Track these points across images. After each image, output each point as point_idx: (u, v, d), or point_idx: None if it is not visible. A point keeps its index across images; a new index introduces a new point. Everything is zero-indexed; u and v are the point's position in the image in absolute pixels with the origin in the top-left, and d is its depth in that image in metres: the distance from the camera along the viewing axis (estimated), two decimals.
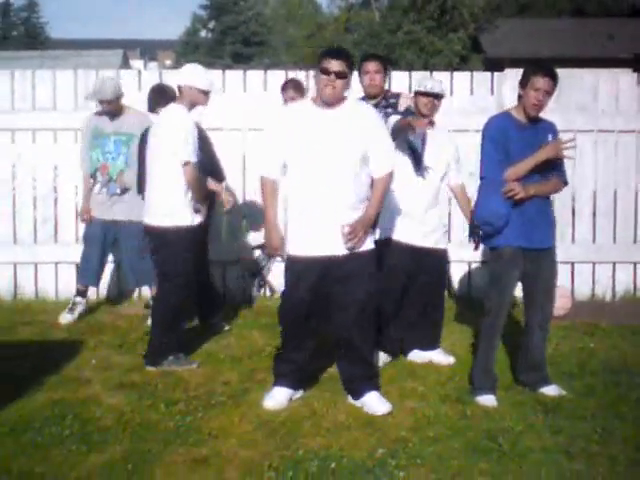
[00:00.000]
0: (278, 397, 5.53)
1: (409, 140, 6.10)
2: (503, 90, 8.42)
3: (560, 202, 8.27)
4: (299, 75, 8.13)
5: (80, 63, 18.58)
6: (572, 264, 8.46)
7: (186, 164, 6.07)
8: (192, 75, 6.19)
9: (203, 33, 47.12)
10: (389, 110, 6.60)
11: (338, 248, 5.34)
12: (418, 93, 6.28)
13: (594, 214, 8.54)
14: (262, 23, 44.86)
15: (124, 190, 7.49)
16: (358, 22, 37.68)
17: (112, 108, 7.48)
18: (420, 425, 5.15)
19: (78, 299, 7.78)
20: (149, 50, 59.95)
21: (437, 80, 6.42)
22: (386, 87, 6.97)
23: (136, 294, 8.50)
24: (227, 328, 7.32)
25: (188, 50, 46.16)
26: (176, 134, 6.06)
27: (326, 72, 5.24)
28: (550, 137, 5.53)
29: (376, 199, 5.43)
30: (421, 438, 4.93)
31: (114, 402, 5.54)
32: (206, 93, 6.21)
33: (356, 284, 5.38)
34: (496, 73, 8.64)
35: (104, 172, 7.51)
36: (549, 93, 5.52)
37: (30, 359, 6.40)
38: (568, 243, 8.45)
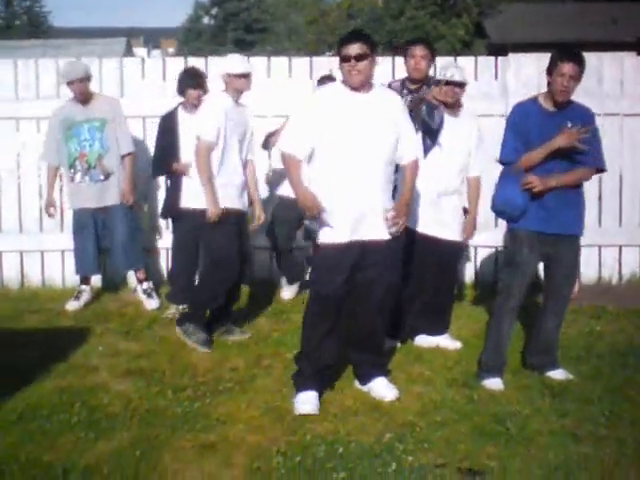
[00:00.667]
0: (310, 401, 5.23)
1: (422, 115, 6.12)
2: (507, 75, 8.39)
3: None
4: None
5: (83, 52, 18.53)
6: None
7: (197, 138, 6.31)
8: (226, 63, 6.48)
9: (206, 20, 47.00)
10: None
11: (375, 233, 5.27)
12: (440, 82, 6.28)
13: (600, 197, 8.51)
14: (264, 10, 44.75)
15: (107, 175, 7.49)
16: (361, 8, 37.51)
17: (84, 89, 7.42)
18: (427, 410, 5.16)
19: (83, 287, 7.81)
20: (152, 38, 59.81)
21: (459, 67, 6.42)
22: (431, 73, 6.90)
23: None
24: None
25: (190, 37, 46.06)
26: (201, 114, 6.45)
27: (346, 59, 5.17)
28: (569, 124, 5.46)
29: (408, 185, 5.43)
30: (428, 422, 4.95)
31: (122, 389, 5.56)
32: (244, 76, 6.43)
33: (386, 270, 5.33)
34: (500, 58, 8.60)
35: (83, 160, 7.48)
36: (575, 78, 5.45)
37: (37, 347, 6.43)
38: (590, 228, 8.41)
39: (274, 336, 6.62)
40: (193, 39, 45.60)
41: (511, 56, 8.68)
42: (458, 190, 6.41)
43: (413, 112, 6.01)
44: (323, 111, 5.22)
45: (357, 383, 5.57)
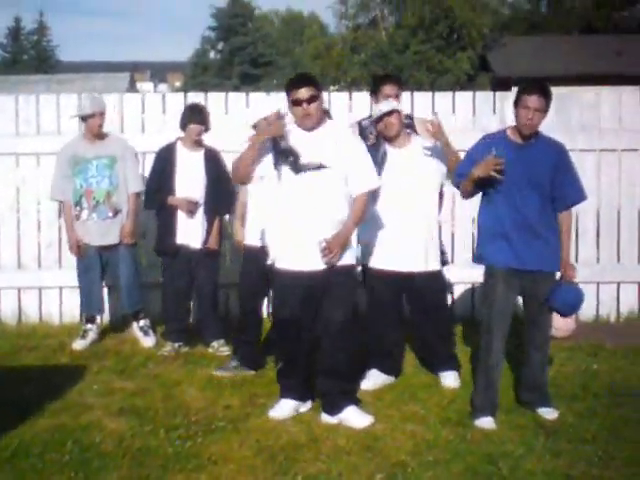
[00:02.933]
0: (284, 408, 5.72)
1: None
2: (505, 109, 8.41)
3: None
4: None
5: (87, 87, 18.67)
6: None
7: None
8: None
9: (212, 54, 47.35)
10: (408, 131, 6.61)
11: (319, 263, 5.49)
12: (374, 121, 6.41)
13: (597, 234, 8.50)
14: (270, 44, 45.11)
15: (116, 212, 7.49)
16: (365, 42, 37.76)
17: (100, 123, 7.45)
18: (420, 449, 5.14)
19: (89, 326, 7.74)
20: (159, 72, 60.19)
21: (385, 102, 6.41)
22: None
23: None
24: (228, 352, 7.29)
25: (197, 72, 46.36)
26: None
27: (298, 103, 5.44)
28: (494, 151, 5.49)
29: (353, 216, 5.60)
30: (420, 462, 4.92)
31: (115, 427, 5.55)
32: None
33: (335, 299, 5.54)
34: (498, 92, 8.64)
35: (89, 197, 7.44)
36: (540, 111, 5.51)
37: (33, 384, 6.41)
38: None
39: (269, 375, 6.60)
40: (200, 73, 45.89)
41: (514, 90, 8.69)
42: (424, 222, 6.35)
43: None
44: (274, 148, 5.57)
45: (325, 416, 5.62)
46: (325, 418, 5.62)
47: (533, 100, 5.50)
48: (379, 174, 6.12)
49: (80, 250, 7.53)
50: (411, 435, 5.35)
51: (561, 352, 6.93)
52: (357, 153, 5.61)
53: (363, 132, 6.75)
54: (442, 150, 6.35)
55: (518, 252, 5.55)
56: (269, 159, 5.59)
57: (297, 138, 5.54)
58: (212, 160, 7.30)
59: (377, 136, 6.56)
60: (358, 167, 5.56)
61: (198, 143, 7.23)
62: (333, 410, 5.59)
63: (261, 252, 6.13)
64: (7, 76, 30.88)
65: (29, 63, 50.03)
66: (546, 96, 5.53)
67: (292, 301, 5.61)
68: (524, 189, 5.52)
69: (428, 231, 6.37)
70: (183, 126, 7.26)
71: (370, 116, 6.78)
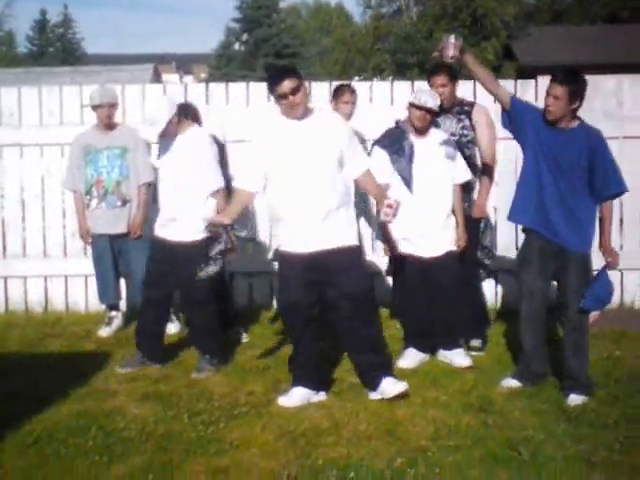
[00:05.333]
0: (294, 396, 5.75)
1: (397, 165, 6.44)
2: (527, 97, 8.36)
3: None
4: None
5: (111, 79, 18.73)
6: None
7: None
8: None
9: (237, 46, 47.33)
10: (462, 116, 6.81)
11: (321, 244, 5.59)
12: (412, 105, 6.41)
13: (621, 221, 8.46)
14: (295, 35, 44.97)
15: (124, 202, 7.54)
16: (388, 31, 37.72)
17: (110, 114, 7.50)
18: (441, 434, 5.15)
19: (113, 313, 7.84)
20: (185, 64, 60.31)
21: (433, 94, 6.50)
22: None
23: None
24: (246, 340, 7.36)
25: (222, 63, 46.35)
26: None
27: (283, 96, 5.53)
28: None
29: (371, 191, 5.91)
30: (441, 447, 4.93)
31: (138, 413, 5.60)
32: None
33: (344, 277, 5.61)
34: (520, 80, 8.62)
35: (99, 186, 7.51)
36: (558, 98, 5.60)
37: (58, 371, 6.50)
38: (595, 251, 8.35)
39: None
40: (225, 65, 45.88)
41: (539, 79, 8.65)
42: (442, 208, 6.50)
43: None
44: (270, 142, 5.67)
45: (370, 394, 5.73)
46: (371, 396, 5.74)
47: (550, 86, 5.65)
48: (409, 164, 6.33)
49: (91, 238, 7.65)
50: (432, 420, 5.36)
51: None
52: (348, 138, 5.70)
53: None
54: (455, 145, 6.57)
55: (553, 224, 5.75)
56: (273, 156, 5.65)
57: (289, 128, 5.61)
58: None
59: (398, 121, 6.63)
60: (352, 149, 5.70)
61: None
62: (372, 386, 5.72)
63: (166, 243, 6.42)
64: (31, 67, 31.04)
65: (55, 55, 50.29)
66: (563, 83, 5.59)
67: (295, 285, 5.68)
68: (561, 169, 5.70)
69: (445, 217, 6.51)
70: None
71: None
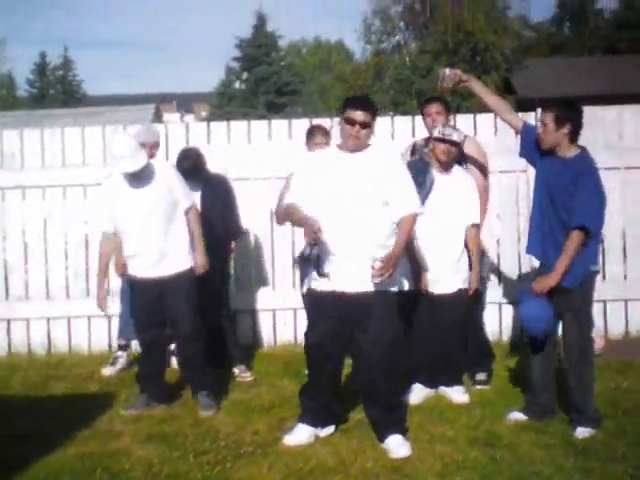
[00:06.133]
0: (300, 434, 5.65)
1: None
2: None
3: None
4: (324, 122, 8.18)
5: (113, 119, 18.84)
6: (604, 302, 8.35)
7: None
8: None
9: (237, 84, 47.63)
10: None
11: (361, 285, 5.41)
12: (435, 139, 6.43)
13: (624, 251, 8.45)
14: (295, 73, 45.31)
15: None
16: (388, 67, 37.97)
17: (153, 154, 7.24)
18: (449, 470, 5.11)
19: (119, 353, 7.83)
20: (185, 103, 60.67)
21: (456, 128, 6.57)
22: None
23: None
24: (250, 378, 7.34)
25: (223, 101, 46.61)
26: None
27: (351, 122, 5.39)
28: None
29: (399, 240, 5.48)
30: None
31: (143, 454, 5.55)
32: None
33: (377, 326, 5.44)
34: (520, 113, 8.63)
35: None
36: (545, 124, 5.70)
37: (62, 413, 6.46)
38: (599, 282, 8.34)
39: (298, 399, 6.57)
40: (226, 103, 46.13)
41: (540, 111, 8.66)
42: (454, 245, 6.47)
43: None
44: (316, 171, 5.54)
45: (377, 440, 5.61)
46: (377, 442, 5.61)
47: (541, 115, 5.84)
48: (427, 198, 6.23)
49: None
50: (440, 456, 5.32)
51: None
52: (399, 177, 5.54)
53: (416, 152, 6.92)
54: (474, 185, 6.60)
55: (548, 256, 5.79)
56: (316, 186, 5.52)
57: (336, 157, 5.53)
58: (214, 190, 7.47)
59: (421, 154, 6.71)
60: (400, 191, 5.50)
61: None
62: (379, 437, 5.57)
63: (149, 282, 6.35)
64: (32, 110, 31.23)
65: (56, 97, 50.54)
66: (553, 109, 5.70)
67: (325, 323, 5.55)
68: (552, 199, 5.73)
69: (458, 254, 6.48)
70: None
71: (429, 138, 6.82)
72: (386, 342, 5.49)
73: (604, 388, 6.55)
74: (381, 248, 5.39)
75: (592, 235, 5.66)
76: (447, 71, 6.18)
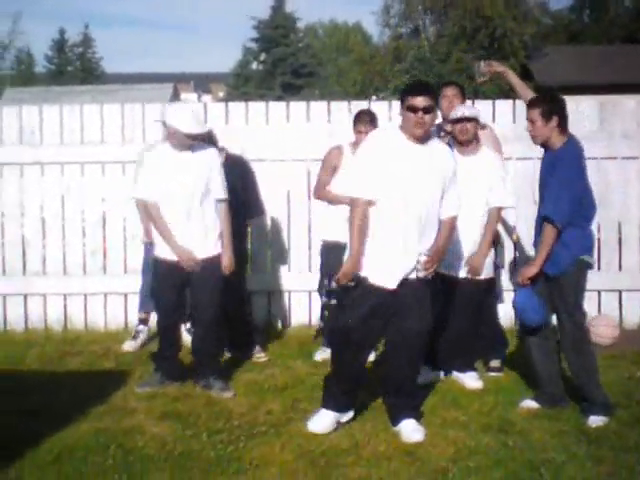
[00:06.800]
0: (323, 421, 5.58)
1: None
2: None
3: (606, 230, 8.26)
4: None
5: (131, 97, 18.86)
6: (620, 292, 8.35)
7: None
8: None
9: (254, 65, 47.63)
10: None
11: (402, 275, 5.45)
12: (451, 122, 6.50)
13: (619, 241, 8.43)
14: (312, 55, 45.33)
15: None
16: (406, 51, 37.79)
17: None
18: (461, 455, 5.12)
19: (140, 327, 7.88)
20: (203, 83, 60.70)
21: (468, 105, 6.68)
22: None
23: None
24: (264, 359, 7.37)
25: (240, 82, 46.65)
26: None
27: (414, 109, 5.32)
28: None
29: (443, 237, 5.58)
30: (461, 468, 4.91)
31: (157, 431, 5.58)
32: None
33: (419, 311, 5.50)
34: None
35: None
36: (533, 121, 5.73)
37: (77, 389, 6.50)
38: (615, 271, 8.36)
39: (311, 380, 6.61)
40: (242, 84, 46.16)
41: None
42: (477, 226, 6.46)
43: None
44: (385, 155, 5.40)
45: (390, 423, 5.62)
46: (390, 425, 5.62)
47: (527, 113, 5.83)
48: None
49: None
50: (452, 441, 5.34)
51: (604, 360, 6.81)
52: (454, 176, 5.56)
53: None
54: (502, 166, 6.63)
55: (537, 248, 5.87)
56: (384, 172, 5.39)
57: (408, 149, 5.41)
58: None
59: (444, 136, 6.68)
60: (451, 190, 5.54)
61: None
62: (394, 420, 5.59)
63: (175, 267, 6.30)
64: (52, 87, 31.28)
65: (74, 74, 50.61)
66: (538, 105, 5.74)
67: (364, 313, 5.47)
68: (540, 192, 5.88)
69: (477, 239, 6.48)
70: None
71: (443, 120, 6.85)
72: (427, 331, 5.58)
73: (618, 378, 6.57)
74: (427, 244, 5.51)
75: (576, 224, 5.68)
76: (482, 64, 6.33)
